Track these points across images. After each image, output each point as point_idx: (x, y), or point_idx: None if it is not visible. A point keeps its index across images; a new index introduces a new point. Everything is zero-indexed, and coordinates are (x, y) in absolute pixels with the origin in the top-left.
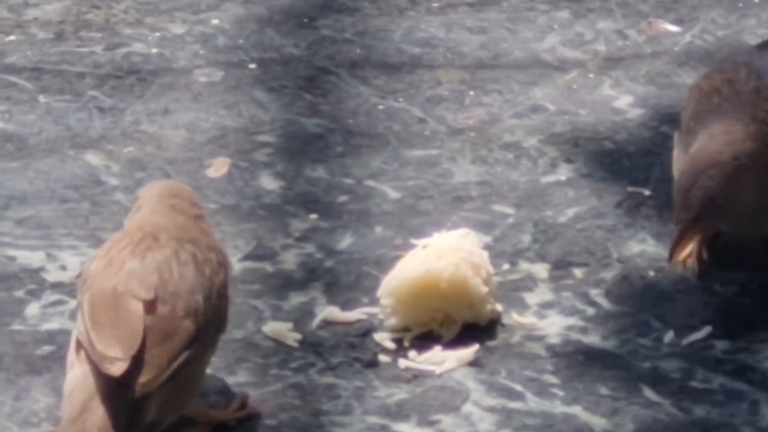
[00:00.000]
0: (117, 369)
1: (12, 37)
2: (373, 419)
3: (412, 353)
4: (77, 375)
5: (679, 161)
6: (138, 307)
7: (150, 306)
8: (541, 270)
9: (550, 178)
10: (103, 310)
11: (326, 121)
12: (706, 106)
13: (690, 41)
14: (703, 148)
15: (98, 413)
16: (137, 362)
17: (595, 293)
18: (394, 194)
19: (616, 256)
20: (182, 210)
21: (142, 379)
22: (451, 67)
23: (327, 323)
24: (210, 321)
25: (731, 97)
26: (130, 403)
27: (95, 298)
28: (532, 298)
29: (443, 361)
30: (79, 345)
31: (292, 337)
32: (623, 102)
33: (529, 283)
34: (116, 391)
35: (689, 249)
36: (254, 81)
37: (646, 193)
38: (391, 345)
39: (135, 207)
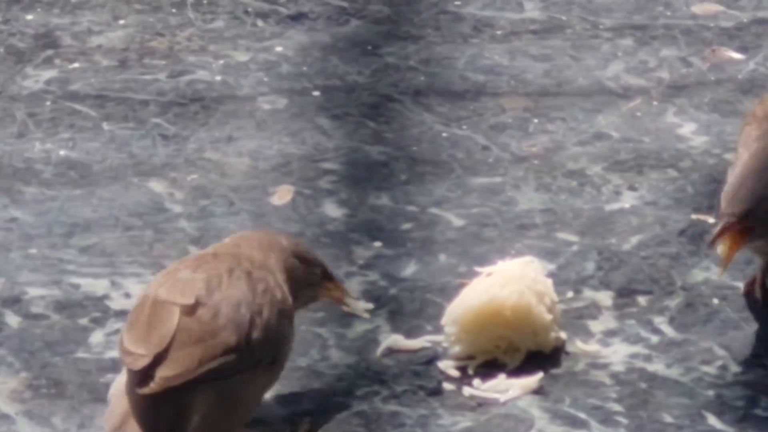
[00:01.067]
0: (139, 364)
1: (76, 65)
2: None
3: (476, 381)
4: (119, 385)
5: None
6: (174, 311)
7: (189, 309)
8: (605, 298)
9: (614, 206)
10: (142, 313)
11: (390, 148)
12: (758, 131)
13: (754, 69)
14: (758, 151)
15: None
16: (162, 360)
17: (660, 321)
18: (458, 222)
19: (680, 284)
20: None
21: (163, 372)
22: (515, 95)
23: (391, 351)
24: (258, 341)
25: None
26: (170, 414)
27: (139, 303)
28: (596, 326)
29: (507, 389)
30: None
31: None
32: (687, 129)
33: (593, 310)
34: (157, 400)
35: (753, 277)
36: (318, 108)
37: (711, 220)
38: (455, 373)
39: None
